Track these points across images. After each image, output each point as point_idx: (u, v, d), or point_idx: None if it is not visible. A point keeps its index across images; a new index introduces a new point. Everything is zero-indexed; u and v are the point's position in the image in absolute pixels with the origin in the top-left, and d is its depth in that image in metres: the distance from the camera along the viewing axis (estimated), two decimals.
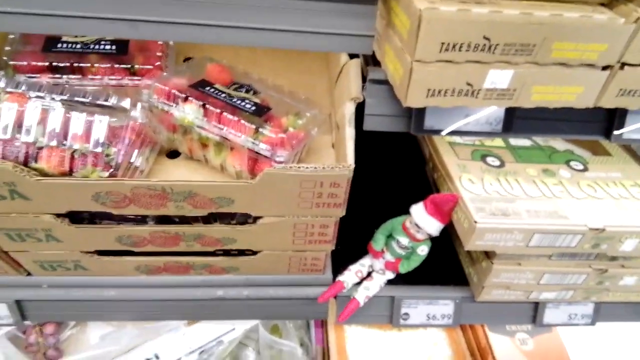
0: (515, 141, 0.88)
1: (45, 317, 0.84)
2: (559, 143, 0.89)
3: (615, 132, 0.62)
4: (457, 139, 0.85)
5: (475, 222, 0.67)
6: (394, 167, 1.05)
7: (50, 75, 0.64)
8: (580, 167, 0.83)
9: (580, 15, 0.48)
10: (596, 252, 0.74)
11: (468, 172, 0.78)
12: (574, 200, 0.74)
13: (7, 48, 0.64)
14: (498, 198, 0.73)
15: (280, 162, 0.57)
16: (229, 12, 0.50)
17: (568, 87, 0.53)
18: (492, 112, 0.60)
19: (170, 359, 0.90)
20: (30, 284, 0.75)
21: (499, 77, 0.51)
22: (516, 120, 0.61)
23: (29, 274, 0.75)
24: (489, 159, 0.83)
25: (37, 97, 0.55)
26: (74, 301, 0.76)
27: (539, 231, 0.67)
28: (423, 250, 0.77)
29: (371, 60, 0.64)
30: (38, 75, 0.64)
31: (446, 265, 0.87)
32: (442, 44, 0.47)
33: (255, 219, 0.66)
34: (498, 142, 0.87)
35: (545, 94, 0.53)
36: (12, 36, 0.65)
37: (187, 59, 0.83)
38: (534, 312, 0.85)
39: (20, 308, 0.75)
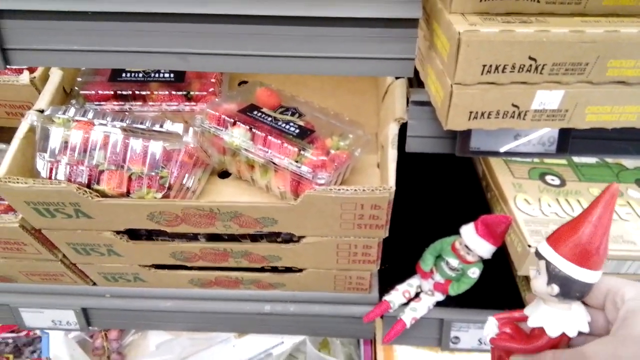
0: (579, 158, 0.82)
1: (108, 325, 0.91)
2: (629, 159, 0.82)
3: None
4: None
5: (529, 246, 0.64)
6: (449, 184, 1.01)
7: (115, 103, 0.70)
8: None
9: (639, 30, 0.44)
10: None
11: (524, 192, 0.74)
12: None
13: (79, 79, 0.70)
14: (556, 220, 0.68)
15: (321, 184, 0.58)
16: (271, 43, 0.51)
17: (628, 106, 0.49)
18: (545, 132, 0.57)
19: None
20: (95, 294, 0.81)
21: (548, 98, 0.48)
22: (572, 140, 0.57)
23: (94, 283, 0.81)
24: (548, 178, 0.78)
25: (101, 124, 0.60)
26: (134, 311, 0.81)
27: None
28: (474, 272, 0.74)
29: (415, 81, 0.63)
30: (104, 102, 0.70)
31: (502, 287, 0.83)
32: (484, 66, 0.46)
33: (300, 237, 0.67)
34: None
35: (601, 114, 0.50)
36: (83, 69, 0.72)
37: (241, 83, 0.87)
38: None
39: (86, 315, 0.82)
